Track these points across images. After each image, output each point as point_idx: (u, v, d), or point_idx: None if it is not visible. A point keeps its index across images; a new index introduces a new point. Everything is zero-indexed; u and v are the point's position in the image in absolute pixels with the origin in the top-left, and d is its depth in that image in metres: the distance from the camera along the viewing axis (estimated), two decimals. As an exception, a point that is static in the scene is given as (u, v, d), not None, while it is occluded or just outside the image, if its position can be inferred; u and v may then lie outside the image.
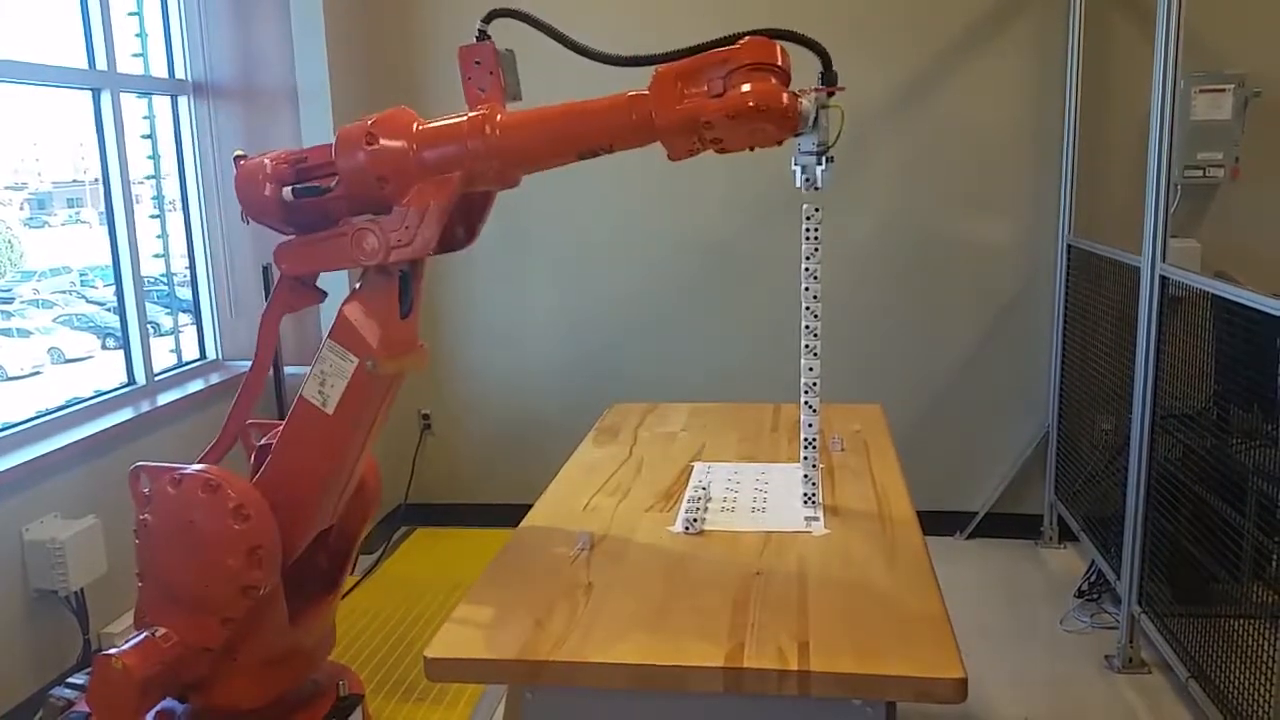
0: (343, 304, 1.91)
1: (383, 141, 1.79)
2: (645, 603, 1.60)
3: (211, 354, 3.84)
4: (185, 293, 3.81)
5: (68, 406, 3.05)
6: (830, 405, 2.46)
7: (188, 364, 3.73)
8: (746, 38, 1.64)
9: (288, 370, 3.64)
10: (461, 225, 2.00)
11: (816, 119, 1.71)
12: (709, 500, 2.05)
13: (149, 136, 3.62)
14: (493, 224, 2.04)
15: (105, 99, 3.22)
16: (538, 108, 1.79)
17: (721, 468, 2.28)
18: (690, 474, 2.25)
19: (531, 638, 1.49)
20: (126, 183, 3.29)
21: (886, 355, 3.98)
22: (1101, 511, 3.37)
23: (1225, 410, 2.66)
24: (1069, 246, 3.71)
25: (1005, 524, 4.00)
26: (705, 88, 1.64)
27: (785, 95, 1.62)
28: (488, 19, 1.87)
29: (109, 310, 3.78)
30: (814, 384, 1.92)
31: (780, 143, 1.72)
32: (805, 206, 1.85)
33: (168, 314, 3.73)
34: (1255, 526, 2.50)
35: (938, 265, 3.90)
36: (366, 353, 1.87)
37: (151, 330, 3.41)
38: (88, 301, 4.36)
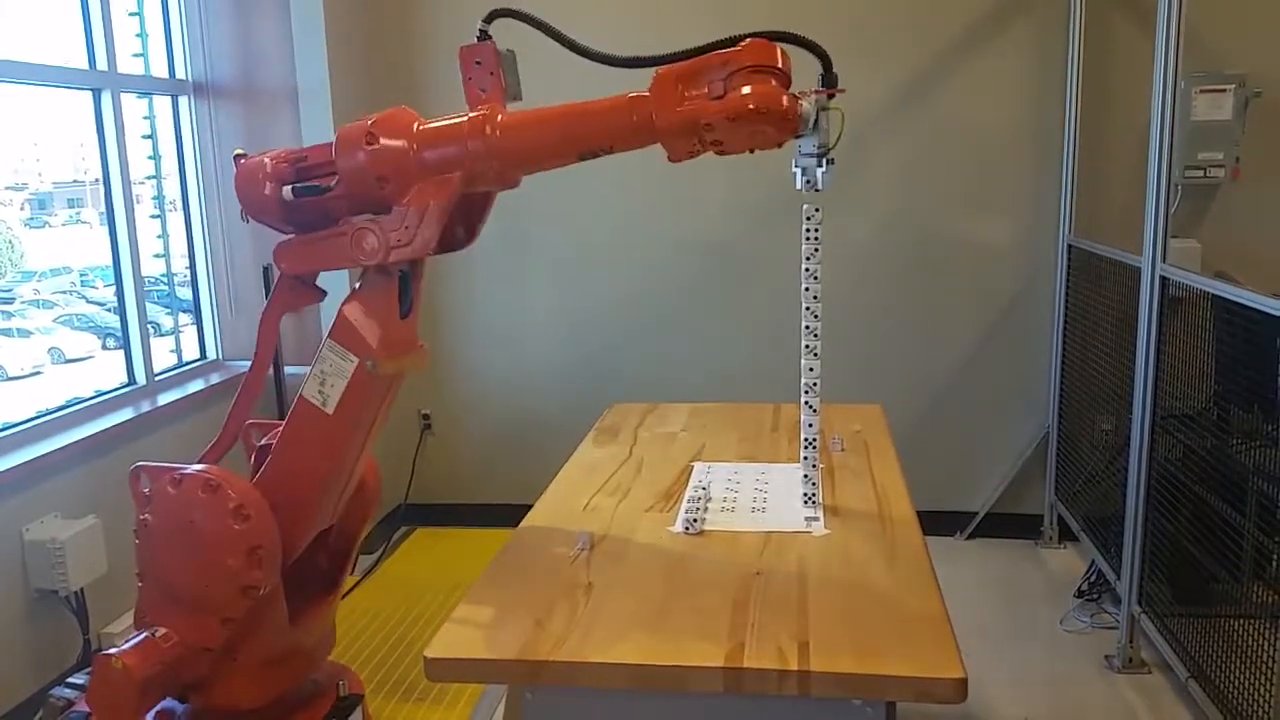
0: (342, 304, 1.91)
1: (383, 141, 1.79)
2: (645, 603, 1.60)
3: (212, 354, 3.84)
4: (185, 293, 3.81)
5: (68, 406, 3.06)
6: (830, 405, 2.46)
7: (188, 364, 3.73)
8: (747, 40, 1.64)
9: (288, 370, 3.64)
10: (462, 225, 2.00)
11: (817, 121, 1.71)
12: (709, 500, 2.05)
13: (149, 136, 3.62)
14: (493, 224, 2.04)
15: (106, 99, 3.22)
16: (538, 108, 1.79)
17: (721, 468, 2.28)
18: (690, 474, 2.25)
19: (531, 638, 1.49)
20: (127, 183, 3.29)
21: (886, 355, 3.98)
22: (1101, 511, 3.37)
23: (1225, 410, 2.66)
24: (1069, 247, 3.71)
25: (1005, 524, 4.00)
26: (706, 90, 1.64)
27: (785, 98, 1.62)
28: (489, 19, 1.87)
29: (109, 310, 3.78)
30: (814, 384, 1.92)
31: (780, 145, 1.72)
32: (805, 207, 1.85)
33: (168, 314, 3.73)
34: (1255, 526, 2.50)
35: (938, 265, 3.90)
36: (366, 353, 1.87)
37: (152, 330, 3.41)
38: (88, 301, 4.36)
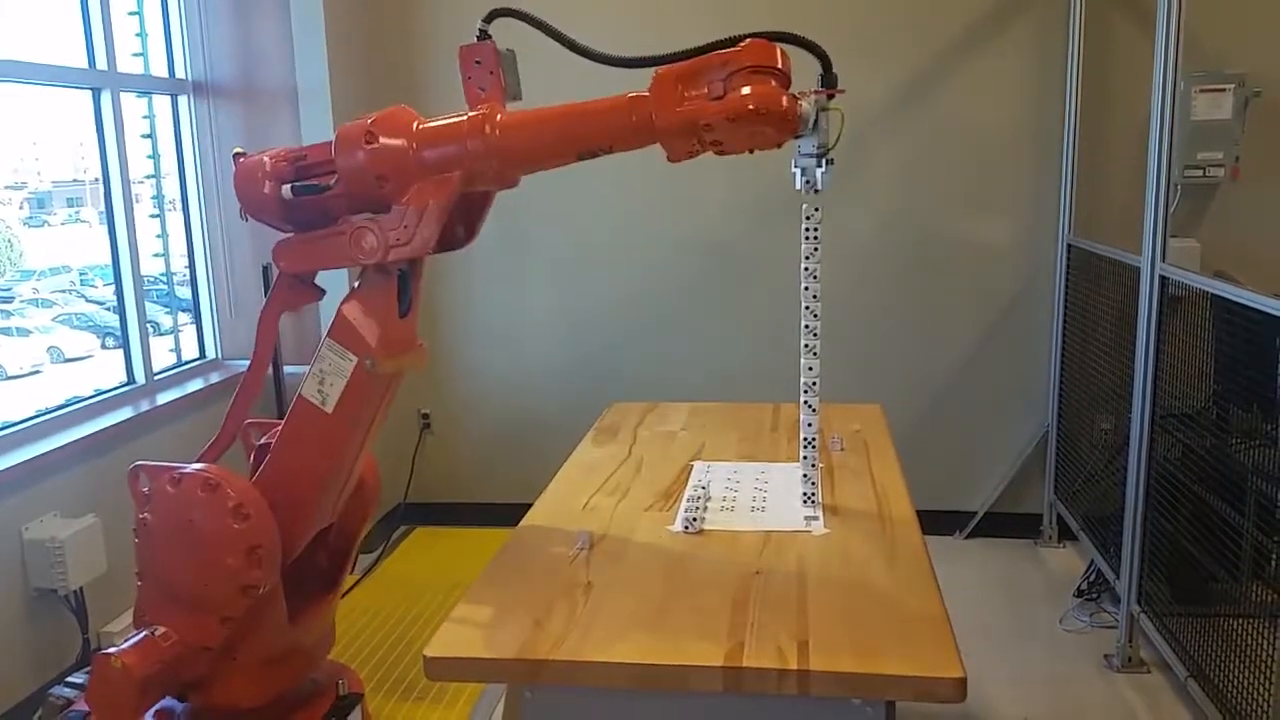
0: (341, 303, 1.91)
1: (382, 140, 1.79)
2: (645, 602, 1.60)
3: (211, 353, 3.84)
4: (185, 292, 3.81)
5: (67, 405, 3.05)
6: (830, 405, 2.46)
7: (187, 363, 3.73)
8: (747, 40, 1.64)
9: (287, 369, 3.64)
10: (461, 224, 2.00)
11: (816, 121, 1.71)
12: (708, 500, 2.05)
13: (149, 136, 3.62)
14: (492, 223, 2.04)
15: (105, 98, 3.22)
16: (538, 108, 1.79)
17: (721, 467, 2.28)
18: (690, 473, 2.25)
19: (531, 637, 1.49)
20: (126, 182, 3.29)
21: (886, 355, 3.98)
22: (1101, 511, 3.37)
23: (1225, 410, 2.66)
24: (1069, 246, 3.71)
25: (1005, 523, 4.00)
26: (705, 90, 1.64)
27: (785, 98, 1.62)
28: (489, 18, 1.87)
29: (108, 309, 3.78)
30: (814, 383, 1.92)
31: (780, 145, 1.72)
32: (805, 206, 1.85)
33: (167, 313, 3.73)
34: (1254, 526, 2.50)
35: (938, 265, 3.90)
36: (365, 351, 1.87)
37: (151, 329, 3.41)
38: (87, 301, 4.36)
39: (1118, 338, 3.19)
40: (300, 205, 1.92)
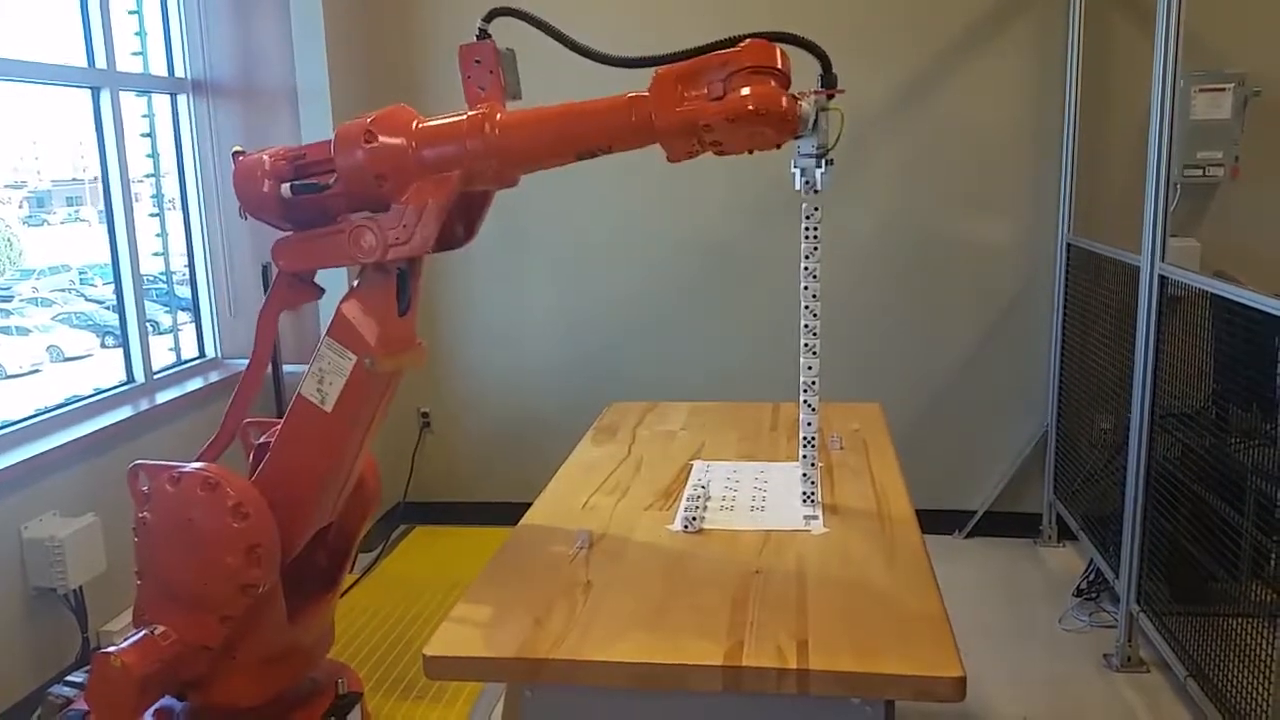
0: (341, 302, 1.91)
1: (382, 139, 1.79)
2: (644, 601, 1.60)
3: (210, 352, 3.84)
4: (184, 291, 3.81)
5: (67, 404, 3.05)
6: (829, 404, 2.46)
7: (187, 362, 3.73)
8: (746, 40, 1.64)
9: (286, 368, 3.64)
10: (461, 223, 2.00)
11: (816, 122, 1.71)
12: (708, 499, 2.05)
13: (148, 135, 3.62)
14: (492, 223, 2.04)
15: (105, 97, 3.22)
16: (537, 107, 1.79)
17: (720, 466, 2.28)
18: (689, 473, 2.25)
19: (530, 636, 1.49)
20: (126, 181, 3.29)
21: (886, 355, 3.98)
22: (1100, 510, 3.37)
23: (1224, 409, 2.66)
24: (1068, 246, 3.71)
25: (1004, 523, 4.00)
26: (705, 90, 1.64)
27: (785, 99, 1.62)
28: (488, 18, 1.87)
29: (108, 308, 3.78)
30: (813, 383, 1.92)
31: (780, 146, 1.72)
32: (805, 206, 1.85)
33: (167, 312, 3.73)
34: (1254, 525, 2.50)
35: (937, 265, 3.90)
36: (365, 350, 1.87)
37: (150, 328, 3.41)
38: (87, 300, 4.36)
39: (1117, 337, 3.19)
40: (299, 204, 1.92)
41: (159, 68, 3.63)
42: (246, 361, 2.11)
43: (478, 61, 1.86)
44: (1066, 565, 3.75)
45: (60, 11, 3.16)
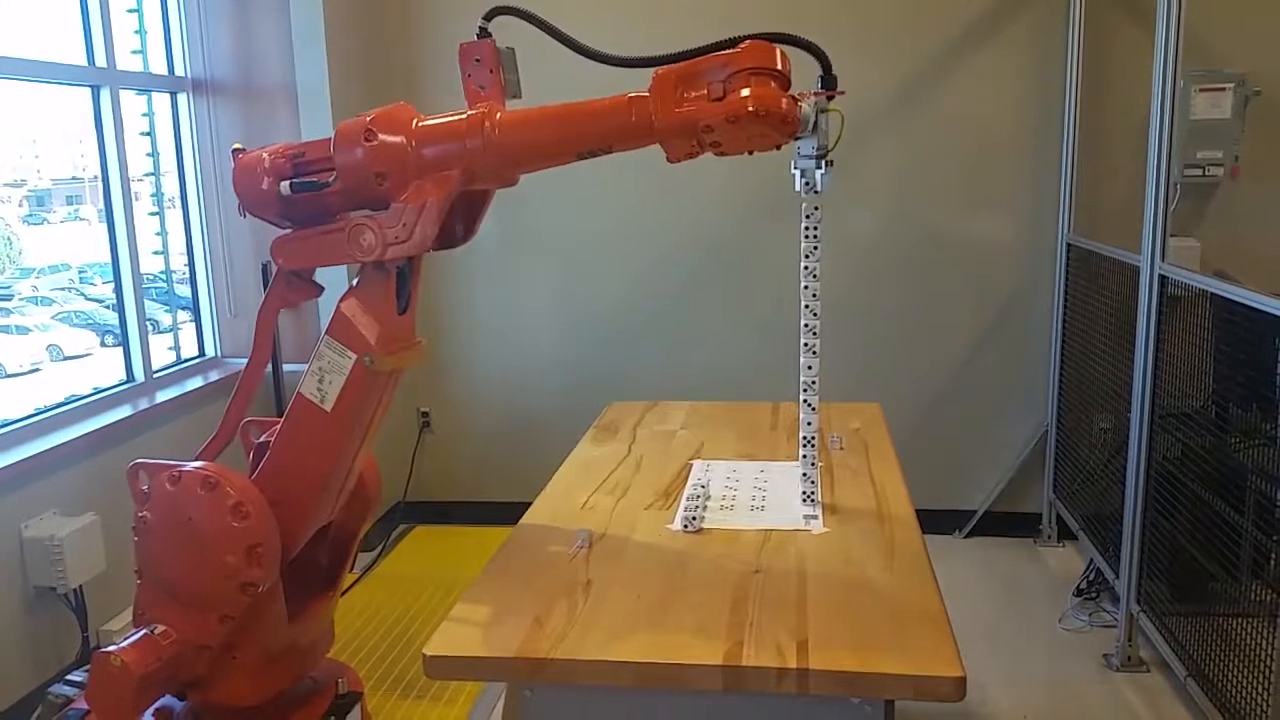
0: (340, 300, 1.91)
1: (381, 137, 1.79)
2: (644, 601, 1.60)
3: (210, 351, 3.84)
4: (184, 290, 3.81)
5: (67, 404, 3.05)
6: (829, 404, 2.46)
7: (187, 361, 3.73)
8: (747, 41, 1.64)
9: (287, 368, 3.64)
10: (460, 222, 1.99)
11: (816, 123, 1.71)
12: (708, 498, 2.05)
13: (148, 134, 3.62)
14: (492, 222, 2.04)
15: (104, 96, 3.22)
16: (537, 107, 1.79)
17: (720, 466, 2.28)
18: (689, 472, 2.25)
19: (530, 635, 1.49)
20: (126, 180, 3.29)
21: (886, 354, 3.98)
22: (1100, 510, 3.37)
23: (1224, 409, 2.66)
24: (1068, 245, 3.71)
25: (1004, 522, 4.00)
26: (705, 91, 1.63)
27: (785, 100, 1.62)
28: (489, 16, 1.87)
29: (108, 307, 3.78)
30: (813, 382, 1.92)
31: (779, 147, 1.71)
32: (805, 205, 1.85)
33: (167, 311, 3.73)
34: (1254, 525, 2.50)
35: (937, 264, 3.90)
36: (364, 349, 1.87)
37: (150, 327, 3.41)
38: (87, 299, 4.35)
39: (1117, 337, 3.19)
40: (298, 202, 1.92)
41: (159, 66, 3.63)
42: (246, 360, 2.10)
43: (478, 60, 1.86)
44: (1066, 565, 3.75)
45: (60, 10, 3.16)
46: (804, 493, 1.98)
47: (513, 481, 4.10)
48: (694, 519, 1.92)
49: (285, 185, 1.90)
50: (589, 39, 1.82)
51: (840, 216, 3.80)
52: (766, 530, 1.88)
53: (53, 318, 4.31)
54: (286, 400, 3.01)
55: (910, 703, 1.44)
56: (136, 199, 3.38)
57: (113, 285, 3.33)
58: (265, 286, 2.05)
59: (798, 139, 1.72)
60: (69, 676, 2.35)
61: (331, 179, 1.87)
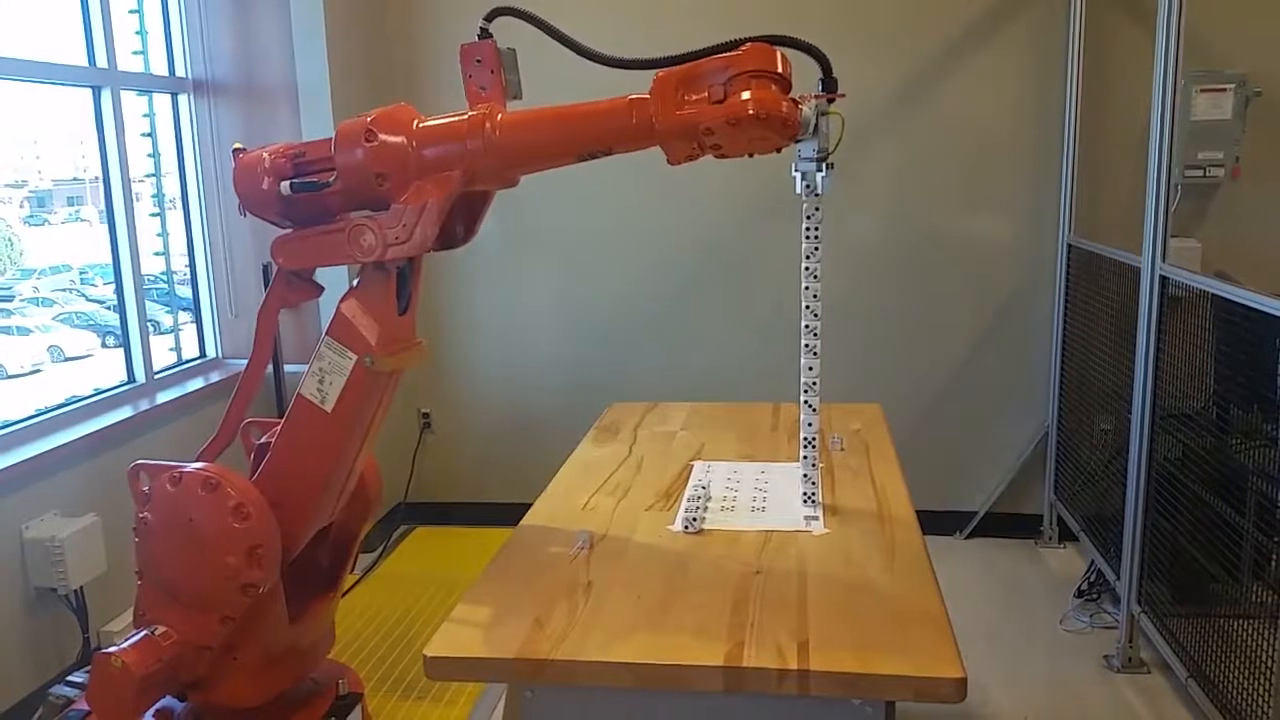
0: (340, 301, 1.91)
1: (382, 138, 1.79)
2: (645, 602, 1.60)
3: (211, 352, 3.84)
4: (185, 291, 3.81)
5: (67, 404, 3.05)
6: (830, 405, 2.46)
7: (187, 362, 3.73)
8: (747, 44, 1.64)
9: (287, 368, 3.64)
10: (461, 223, 1.99)
11: (816, 126, 1.71)
12: (708, 499, 2.05)
13: (149, 134, 3.62)
14: (493, 222, 2.04)
15: (105, 96, 3.22)
16: (538, 108, 1.79)
17: (721, 467, 2.28)
18: (690, 473, 2.24)
19: (531, 636, 1.49)
20: (127, 180, 3.29)
21: (887, 355, 3.98)
22: (1101, 511, 3.37)
23: (1225, 410, 2.66)
24: (1069, 246, 3.71)
25: (1005, 524, 4.00)
26: (706, 93, 1.63)
27: (785, 103, 1.62)
28: (490, 17, 1.87)
29: (109, 308, 3.78)
30: (814, 383, 1.92)
31: (780, 150, 1.72)
32: (805, 206, 1.85)
33: (168, 312, 3.73)
34: (1254, 526, 2.50)
35: (938, 265, 3.90)
36: (365, 349, 1.87)
37: (151, 328, 3.41)
38: (88, 299, 4.35)
39: (1118, 338, 3.19)
40: (299, 202, 1.92)
41: (160, 67, 3.63)
42: (246, 361, 2.10)
43: (479, 61, 1.86)
44: (1067, 566, 3.74)
45: (61, 11, 3.16)
46: (805, 494, 1.98)
47: (513, 482, 4.10)
48: (695, 520, 1.92)
49: (285, 185, 1.90)
50: (589, 40, 1.82)
51: (841, 217, 3.80)
52: (767, 531, 1.88)
53: (54, 319, 4.31)
54: (287, 401, 3.01)
55: (911, 704, 1.44)
56: (137, 200, 3.38)
57: (114, 286, 3.33)
58: (266, 287, 2.05)
59: (798, 142, 1.73)
60: (70, 677, 2.36)
61: (332, 179, 1.87)
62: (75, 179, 3.74)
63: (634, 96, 1.68)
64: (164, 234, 3.67)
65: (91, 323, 4.29)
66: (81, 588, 2.79)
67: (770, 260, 3.93)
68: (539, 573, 1.73)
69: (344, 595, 3.00)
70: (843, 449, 2.38)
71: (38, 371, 4.06)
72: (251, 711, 2.10)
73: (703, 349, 4.08)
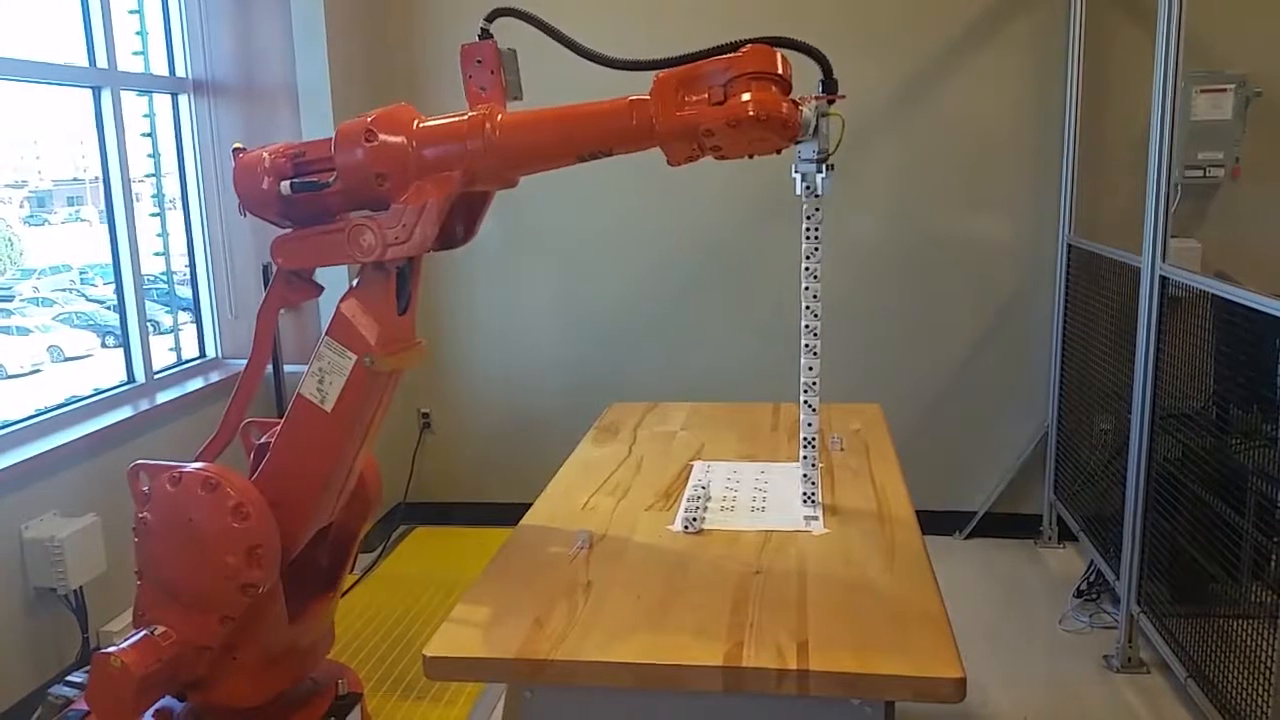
0: (340, 301, 1.91)
1: (382, 138, 1.79)
2: (644, 602, 1.60)
3: (211, 352, 3.84)
4: (185, 291, 3.81)
5: (67, 404, 3.05)
6: (830, 405, 2.46)
7: (187, 362, 3.73)
8: (748, 45, 1.64)
9: (287, 368, 3.64)
10: (460, 223, 1.99)
11: (816, 127, 1.71)
12: (708, 499, 2.05)
13: (149, 134, 3.62)
14: (492, 222, 2.04)
15: (106, 97, 3.22)
16: (538, 109, 1.79)
17: (721, 467, 2.28)
18: (690, 473, 2.25)
19: (530, 636, 1.49)
20: (127, 181, 3.29)
21: (886, 355, 3.98)
22: (1101, 511, 3.37)
23: (1225, 410, 2.66)
24: (1069, 246, 3.71)
25: (1004, 524, 4.00)
26: (706, 95, 1.63)
27: (785, 104, 1.62)
28: (490, 18, 1.87)
29: (109, 308, 3.78)
30: (813, 383, 1.92)
31: (780, 151, 1.72)
32: (805, 206, 1.85)
33: (167, 312, 3.73)
34: (1254, 526, 2.50)
35: (938, 265, 3.90)
36: (364, 349, 1.87)
37: (151, 328, 3.41)
38: (88, 299, 4.35)
39: (1118, 338, 3.19)
40: (299, 202, 1.92)
41: (160, 67, 3.63)
42: (246, 361, 2.10)
43: (479, 61, 1.86)
44: (1067, 566, 3.75)
45: (61, 11, 3.16)
46: (804, 494, 1.98)
47: (513, 482, 4.10)
48: (694, 520, 1.92)
49: (285, 185, 1.90)
50: (590, 40, 1.82)
51: (841, 217, 3.80)
52: (767, 531, 1.88)
53: (53, 319, 4.31)
54: (287, 401, 3.01)
55: (911, 704, 1.44)
56: (137, 200, 3.38)
57: (113, 286, 3.33)
58: (266, 287, 2.05)
59: (798, 143, 1.73)
60: (69, 677, 2.36)
61: (332, 179, 1.87)
62: (75, 179, 3.74)
63: (634, 97, 1.68)
64: (164, 234, 3.67)
65: (91, 323, 4.29)
66: (81, 588, 2.79)
67: (770, 261, 3.93)
68: (539, 573, 1.73)
69: (343, 595, 3.00)
70: (842, 449, 2.38)
71: (37, 371, 4.06)
72: (251, 711, 2.10)
73: (703, 349, 4.08)
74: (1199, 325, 2.67)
